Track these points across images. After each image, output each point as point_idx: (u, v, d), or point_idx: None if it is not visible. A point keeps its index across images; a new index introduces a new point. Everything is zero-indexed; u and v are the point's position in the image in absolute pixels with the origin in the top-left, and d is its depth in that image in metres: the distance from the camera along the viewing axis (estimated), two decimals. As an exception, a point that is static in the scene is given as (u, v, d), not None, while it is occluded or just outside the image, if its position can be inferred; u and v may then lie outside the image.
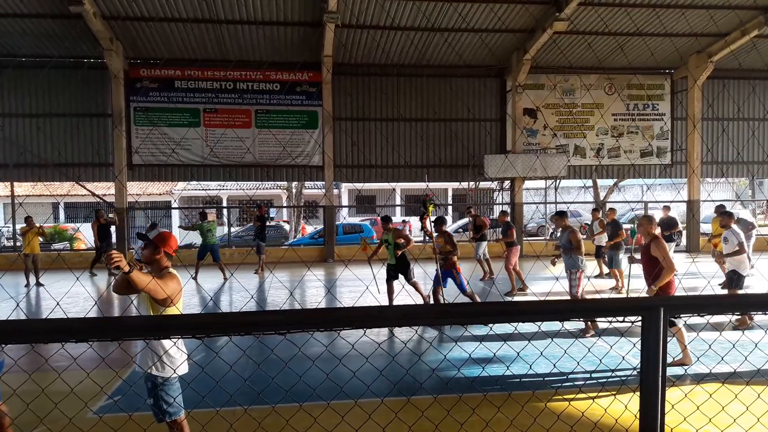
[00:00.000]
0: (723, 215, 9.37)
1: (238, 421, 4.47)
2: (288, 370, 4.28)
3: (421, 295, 9.42)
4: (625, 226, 21.86)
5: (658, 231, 11.53)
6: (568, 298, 8.12)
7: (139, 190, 31.18)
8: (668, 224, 13.31)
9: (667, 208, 14.03)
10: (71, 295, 11.47)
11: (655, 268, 6.16)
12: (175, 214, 31.34)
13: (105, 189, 22.62)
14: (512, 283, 11.73)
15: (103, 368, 6.31)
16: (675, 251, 13.54)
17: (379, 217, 30.72)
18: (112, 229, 16.01)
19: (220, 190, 32.43)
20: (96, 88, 17.43)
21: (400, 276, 9.43)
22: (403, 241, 9.44)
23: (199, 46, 16.92)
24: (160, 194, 31.94)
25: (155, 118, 17.60)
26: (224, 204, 32.27)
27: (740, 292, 8.42)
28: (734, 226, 8.86)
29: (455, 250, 8.93)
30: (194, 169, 18.01)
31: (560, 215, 9.00)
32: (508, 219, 12.79)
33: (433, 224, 9.25)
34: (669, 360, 5.61)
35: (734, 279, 8.53)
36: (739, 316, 8.11)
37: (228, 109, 17.91)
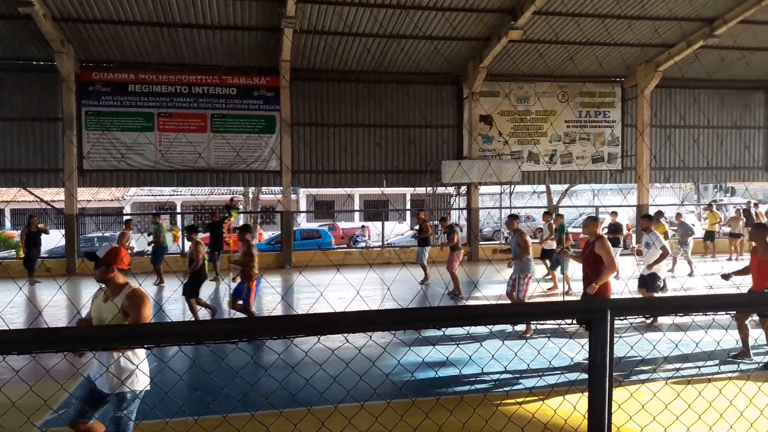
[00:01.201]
0: (644, 218, 9.67)
1: None
2: (240, 380, 4.24)
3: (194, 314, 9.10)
4: (574, 230, 22.45)
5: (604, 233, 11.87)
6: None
7: (89, 196, 30.37)
8: (615, 229, 13.70)
9: (614, 214, 14.46)
10: (14, 305, 11.06)
11: (596, 268, 6.33)
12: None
13: (54, 195, 21.96)
14: (457, 285, 11.87)
15: (46, 380, 6.12)
16: (621, 255, 13.96)
17: (336, 222, 30.68)
18: (43, 237, 15.46)
19: (173, 195, 31.81)
20: (46, 92, 16.84)
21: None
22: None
23: (154, 50, 16.61)
24: (111, 200, 31.15)
25: (107, 122, 17.17)
26: (178, 210, 31.65)
27: (656, 294, 8.71)
28: (654, 231, 9.18)
29: (252, 262, 8.42)
30: (147, 174, 17.62)
31: (512, 218, 9.16)
32: (451, 223, 12.97)
33: (238, 232, 9.01)
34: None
35: (651, 281, 8.75)
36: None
37: (183, 114, 17.60)
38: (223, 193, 30.48)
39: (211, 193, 30.62)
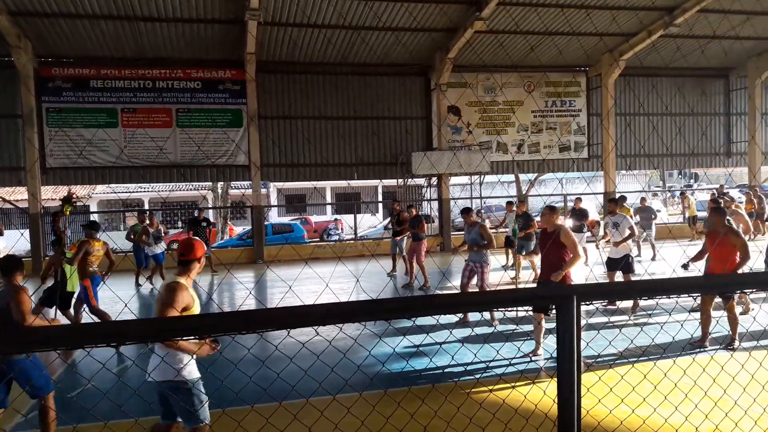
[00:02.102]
0: (610, 202, 9.93)
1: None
2: (210, 375, 4.21)
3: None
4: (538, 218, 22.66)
5: (569, 223, 12.05)
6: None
7: (54, 195, 29.65)
8: (580, 215, 13.87)
9: (579, 200, 14.62)
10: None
11: (560, 256, 6.39)
12: (95, 219, 29.96)
13: (18, 194, 21.39)
14: (425, 276, 11.92)
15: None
16: (588, 241, 14.18)
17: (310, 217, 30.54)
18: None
19: (140, 192, 31.24)
20: (4, 88, 16.35)
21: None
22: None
23: (115, 44, 16.23)
24: (77, 198, 30.44)
25: (70, 119, 16.76)
26: (146, 207, 31.11)
27: (633, 276, 8.95)
28: (621, 213, 9.46)
29: (83, 261, 7.95)
30: (112, 171, 17.28)
31: (466, 212, 9.12)
32: (418, 213, 12.98)
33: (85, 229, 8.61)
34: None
35: (626, 262, 8.91)
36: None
37: (147, 109, 17.28)
38: (191, 189, 30.06)
39: (180, 188, 30.17)
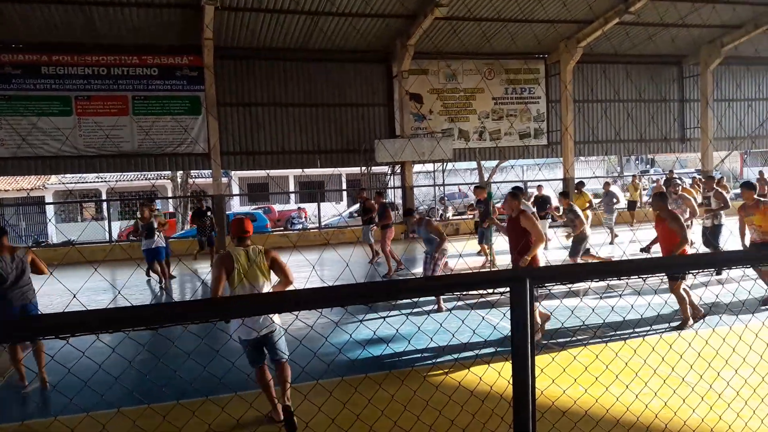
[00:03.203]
0: (560, 195, 10.50)
1: (110, 422, 4.30)
2: (193, 363, 4.17)
3: None
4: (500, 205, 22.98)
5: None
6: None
7: (7, 186, 28.68)
8: (542, 202, 14.08)
9: (540, 187, 14.84)
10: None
11: (523, 241, 6.52)
12: (50, 210, 29.13)
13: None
14: (389, 264, 11.98)
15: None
16: (550, 227, 14.45)
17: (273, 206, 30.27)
18: None
19: (98, 182, 30.43)
20: (-54, 74, 15.71)
21: None
22: None
23: (67, 29, 15.69)
24: (32, 189, 29.51)
25: (20, 106, 16.19)
26: (103, 197, 30.34)
27: (578, 259, 9.33)
28: (572, 205, 9.94)
29: None
30: (67, 160, 16.78)
31: (408, 213, 9.22)
32: (384, 201, 12.99)
33: None
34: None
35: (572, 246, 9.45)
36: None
37: (102, 96, 16.81)
38: (150, 178, 29.45)
39: (138, 178, 29.53)
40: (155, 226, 11.62)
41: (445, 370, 5.12)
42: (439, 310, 8.38)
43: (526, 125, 21.05)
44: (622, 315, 6.96)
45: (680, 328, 6.89)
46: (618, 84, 21.72)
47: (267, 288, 4.86)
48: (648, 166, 42.73)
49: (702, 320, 7.03)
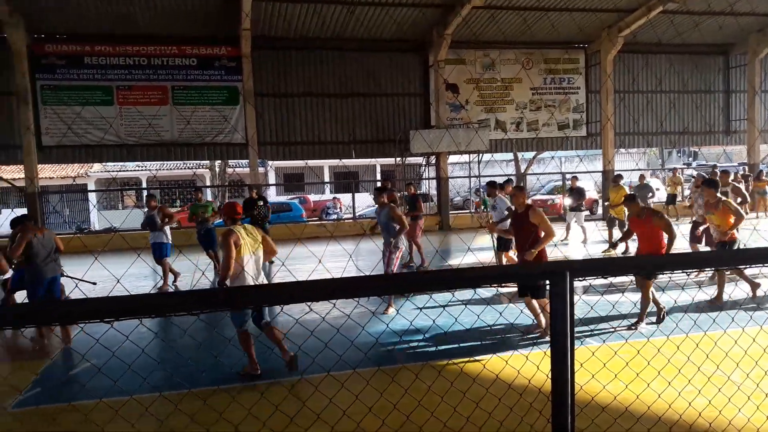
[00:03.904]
0: (488, 185, 10.25)
1: (152, 406, 4.38)
2: (206, 352, 4.22)
3: None
4: (542, 197, 22.66)
5: (567, 202, 12.02)
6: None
7: (51, 173, 29.54)
8: (577, 194, 13.78)
9: (575, 179, 14.47)
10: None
11: (531, 235, 6.27)
12: (92, 197, 29.92)
13: (15, 173, 21.30)
14: (422, 256, 11.70)
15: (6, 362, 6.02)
16: (586, 220, 14.16)
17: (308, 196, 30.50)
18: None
19: (138, 171, 31.12)
20: (-4, 65, 16.21)
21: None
22: None
23: (109, 21, 16.00)
24: (75, 177, 30.36)
25: (65, 96, 16.64)
26: (144, 185, 31.03)
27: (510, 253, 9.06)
28: (499, 195, 9.76)
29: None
30: (109, 149, 17.18)
31: (379, 191, 8.52)
32: (416, 192, 12.72)
33: None
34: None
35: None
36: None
37: (143, 86, 17.14)
38: (189, 167, 29.97)
39: (177, 167, 30.06)
40: (157, 219, 10.30)
41: (483, 362, 5.08)
42: (387, 310, 7.72)
43: (566, 116, 20.68)
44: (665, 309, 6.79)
45: (633, 328, 6.46)
46: (660, 74, 21.13)
47: (262, 255, 5.69)
48: (690, 158, 41.58)
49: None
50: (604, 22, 18.63)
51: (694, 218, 10.25)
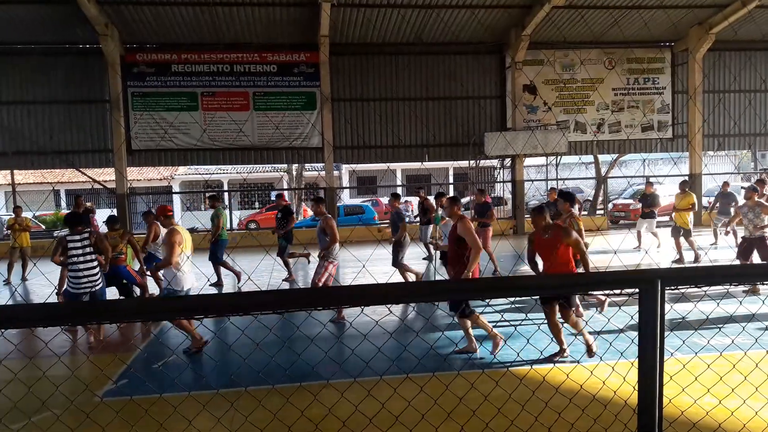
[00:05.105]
0: (443, 199, 9.34)
1: (238, 401, 4.52)
2: (287, 350, 4.32)
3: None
4: (624, 201, 21.81)
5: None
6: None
7: (138, 176, 31.20)
8: (650, 201, 13.06)
9: (650, 184, 13.57)
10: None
11: (462, 250, 5.75)
12: (177, 199, 31.38)
13: (106, 175, 22.63)
14: (495, 263, 11.35)
15: (100, 354, 6.38)
16: (658, 226, 13.44)
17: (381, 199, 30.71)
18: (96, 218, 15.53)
19: (219, 174, 32.39)
20: (92, 74, 17.31)
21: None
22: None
23: (195, 29, 16.79)
24: (161, 179, 31.96)
25: (153, 102, 17.56)
26: (225, 188, 32.24)
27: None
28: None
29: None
30: (192, 153, 17.99)
31: (317, 202, 8.21)
32: (487, 200, 12.29)
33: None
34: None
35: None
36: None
37: (225, 92, 17.83)
38: (267, 171, 30.87)
39: (256, 170, 31.05)
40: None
41: (566, 372, 4.95)
42: (339, 318, 7.70)
43: (650, 117, 19.86)
44: (765, 322, 6.40)
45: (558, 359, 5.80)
46: (753, 73, 19.91)
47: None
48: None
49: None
50: (693, 19, 17.75)
51: (743, 234, 9.20)
